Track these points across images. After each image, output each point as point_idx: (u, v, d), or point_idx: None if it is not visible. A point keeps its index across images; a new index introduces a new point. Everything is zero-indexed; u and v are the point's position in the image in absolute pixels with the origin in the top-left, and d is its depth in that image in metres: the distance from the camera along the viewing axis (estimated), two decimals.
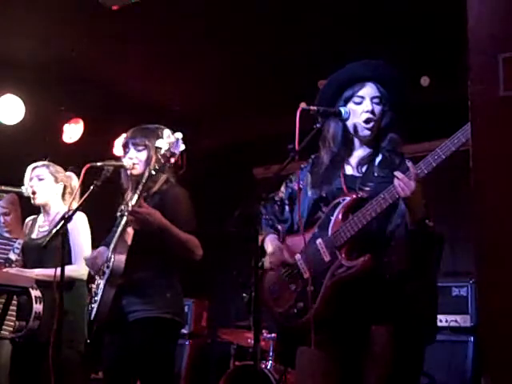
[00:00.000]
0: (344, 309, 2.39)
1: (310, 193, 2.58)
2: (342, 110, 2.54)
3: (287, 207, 2.68)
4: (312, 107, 2.51)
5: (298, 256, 2.50)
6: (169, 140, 2.85)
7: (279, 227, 2.67)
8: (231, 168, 6.70)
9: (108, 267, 3.02)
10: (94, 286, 3.13)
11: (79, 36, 4.84)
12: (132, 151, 3.12)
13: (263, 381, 4.70)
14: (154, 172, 2.88)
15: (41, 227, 3.89)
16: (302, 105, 2.55)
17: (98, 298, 3.03)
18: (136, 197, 2.91)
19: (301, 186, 2.60)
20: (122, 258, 2.97)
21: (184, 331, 5.87)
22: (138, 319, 2.97)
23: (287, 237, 2.62)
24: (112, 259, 2.99)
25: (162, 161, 2.85)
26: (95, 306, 3.05)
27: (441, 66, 4.96)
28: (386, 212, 2.36)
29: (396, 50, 4.71)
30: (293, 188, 2.68)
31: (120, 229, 3.01)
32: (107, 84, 5.49)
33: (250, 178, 6.72)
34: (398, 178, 2.28)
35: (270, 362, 5.01)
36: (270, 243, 2.59)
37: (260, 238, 2.59)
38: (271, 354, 5.08)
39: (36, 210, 3.95)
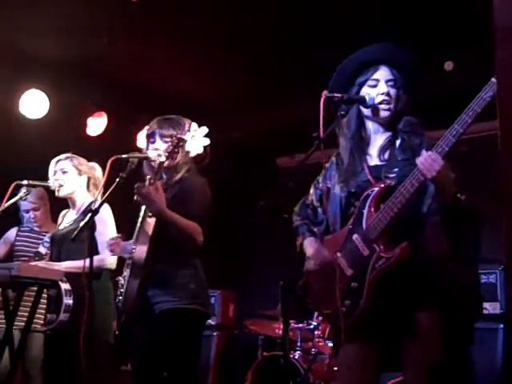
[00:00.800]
0: (389, 299, 2.39)
1: (338, 190, 2.57)
2: (367, 96, 2.52)
3: (319, 209, 2.69)
4: (336, 94, 2.49)
5: (338, 254, 2.49)
6: (195, 134, 2.84)
7: (315, 230, 2.68)
8: (255, 158, 6.69)
9: (130, 259, 3.04)
10: (121, 278, 3.15)
11: (102, 29, 4.85)
12: (158, 142, 3.11)
13: (291, 371, 4.70)
14: (175, 162, 2.89)
15: (68, 219, 3.92)
16: (325, 92, 2.53)
17: (123, 290, 3.06)
18: (154, 172, 2.92)
19: (328, 186, 2.61)
20: (143, 249, 2.98)
21: (211, 322, 5.89)
22: (163, 310, 2.97)
23: (325, 237, 2.62)
24: (134, 250, 3.01)
25: (186, 154, 2.85)
26: (122, 297, 3.07)
27: (465, 50, 4.89)
28: (417, 194, 2.34)
29: (420, 34, 4.66)
30: (321, 189, 2.67)
31: (140, 220, 3.02)
32: (130, 77, 5.50)
33: (274, 168, 6.71)
34: (420, 161, 2.27)
35: (298, 352, 5.01)
36: (308, 246, 2.62)
37: (298, 242, 2.62)
38: (299, 343, 5.08)
39: (64, 202, 3.97)
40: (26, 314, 3.71)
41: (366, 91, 2.53)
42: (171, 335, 2.96)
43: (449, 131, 2.24)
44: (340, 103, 2.51)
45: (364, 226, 2.43)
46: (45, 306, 3.80)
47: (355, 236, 2.44)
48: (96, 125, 5.83)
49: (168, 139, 3.07)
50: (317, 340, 5.00)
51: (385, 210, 2.36)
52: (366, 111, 2.55)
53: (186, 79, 5.63)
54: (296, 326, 5.08)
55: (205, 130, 2.92)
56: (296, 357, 4.92)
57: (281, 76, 5.50)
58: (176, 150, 2.95)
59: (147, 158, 3.11)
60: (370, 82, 2.53)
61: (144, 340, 3.05)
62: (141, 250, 2.98)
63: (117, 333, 3.28)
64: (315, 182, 2.73)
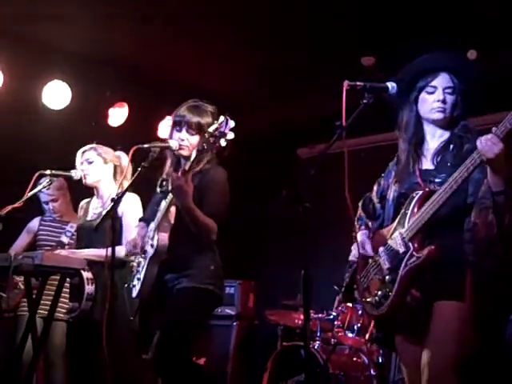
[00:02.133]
0: (417, 294, 2.54)
1: (393, 189, 2.75)
2: (389, 85, 2.61)
3: (378, 205, 2.87)
4: (358, 83, 2.52)
5: (381, 249, 2.68)
6: (222, 127, 2.84)
7: (369, 224, 2.86)
8: (275, 149, 6.68)
9: (152, 246, 3.06)
10: (134, 263, 3.18)
11: (124, 20, 4.87)
12: (184, 133, 3.12)
13: (311, 361, 4.70)
14: (203, 150, 2.90)
15: (94, 209, 3.95)
16: (345, 82, 2.55)
17: (140, 276, 3.08)
18: (188, 165, 2.93)
19: (389, 183, 2.79)
20: (165, 237, 3.03)
21: (231, 312, 5.91)
22: (180, 288, 3.02)
23: (375, 232, 2.82)
24: (156, 238, 3.03)
25: (211, 147, 2.86)
26: (137, 283, 3.10)
27: (488, 38, 4.84)
28: (460, 189, 2.45)
29: (442, 22, 4.62)
30: (382, 186, 2.85)
31: (164, 208, 3.05)
32: (151, 68, 5.52)
33: (295, 159, 6.69)
34: (480, 142, 2.34)
35: (318, 342, 5.01)
36: (359, 238, 2.82)
37: (354, 234, 2.83)
38: (318, 334, 5.08)
39: (88, 192, 4.00)
40: (49, 302, 3.76)
41: (424, 96, 2.66)
42: (184, 311, 3.00)
43: (507, 119, 2.33)
44: (363, 92, 2.54)
45: (406, 225, 2.59)
46: (67, 295, 3.85)
47: (396, 234, 2.62)
48: (117, 115, 5.86)
49: (194, 131, 3.08)
50: (336, 330, 4.99)
51: (422, 212, 2.52)
52: (424, 114, 2.68)
53: (206, 70, 5.64)
54: (316, 316, 5.08)
55: (232, 123, 2.92)
56: (316, 347, 4.92)
57: (301, 67, 5.49)
58: (206, 151, 2.95)
59: (169, 148, 3.12)
60: (429, 89, 2.66)
61: (163, 322, 3.08)
62: (163, 239, 3.01)
63: (131, 318, 3.31)
64: (379, 178, 2.90)
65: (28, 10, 4.71)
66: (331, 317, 5.08)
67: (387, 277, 2.61)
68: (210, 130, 2.85)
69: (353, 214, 2.68)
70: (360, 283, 2.79)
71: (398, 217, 2.66)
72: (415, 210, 2.57)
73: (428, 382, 2.49)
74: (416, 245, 2.54)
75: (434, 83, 2.64)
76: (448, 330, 2.47)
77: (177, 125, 3.15)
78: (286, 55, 5.36)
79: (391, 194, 2.75)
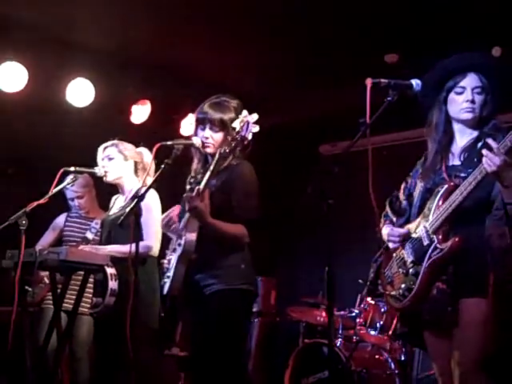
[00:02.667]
0: (442, 286, 2.56)
1: (419, 185, 2.78)
2: (413, 82, 2.62)
3: (404, 202, 2.89)
4: (383, 80, 2.52)
5: (406, 242, 2.72)
6: (244, 123, 2.84)
7: (394, 219, 2.88)
8: (297, 146, 6.68)
9: (179, 245, 3.07)
10: (165, 261, 3.18)
11: (147, 18, 4.89)
12: (207, 130, 3.11)
13: (333, 358, 4.70)
14: (225, 153, 2.89)
15: (117, 205, 3.98)
16: (369, 80, 2.54)
17: (170, 274, 3.08)
18: (204, 180, 2.92)
19: (417, 181, 2.81)
20: (193, 237, 3.00)
21: (253, 309, 5.93)
22: (214, 292, 2.99)
23: (401, 226, 2.82)
24: (184, 237, 3.03)
25: (235, 143, 2.86)
26: (168, 281, 3.09)
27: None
28: (482, 187, 2.47)
29: (466, 19, 4.58)
30: (410, 184, 2.88)
31: None
32: (174, 65, 5.53)
33: (317, 156, 6.68)
34: (483, 154, 2.38)
35: (340, 339, 5.01)
36: (384, 230, 2.85)
37: (378, 229, 2.86)
38: (340, 331, 5.08)
39: (114, 189, 4.03)
40: (74, 297, 3.80)
41: (452, 97, 2.68)
42: (224, 315, 2.98)
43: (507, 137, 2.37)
44: (387, 89, 2.52)
45: (430, 219, 2.62)
46: (91, 291, 3.88)
47: (421, 227, 2.65)
48: (140, 113, 5.89)
49: (218, 128, 3.08)
50: (358, 328, 4.98)
51: (446, 204, 2.54)
52: (453, 114, 2.69)
53: (228, 67, 5.64)
54: (338, 313, 5.07)
55: (255, 116, 2.92)
56: (338, 344, 4.92)
57: (323, 63, 5.47)
58: (226, 139, 2.95)
59: (192, 145, 3.12)
60: (457, 89, 2.67)
61: (197, 324, 3.08)
62: (190, 239, 3.00)
63: (162, 315, 3.32)
64: (407, 177, 2.93)
65: (53, 8, 4.75)
66: (353, 314, 5.08)
67: (411, 269, 2.63)
68: (237, 133, 2.86)
69: (377, 212, 2.69)
70: (384, 277, 2.81)
71: (424, 211, 2.68)
72: (440, 203, 2.59)
73: (458, 380, 2.50)
74: (440, 237, 2.56)
75: (462, 83, 2.66)
76: (472, 327, 2.47)
77: (200, 123, 3.14)
78: (310, 52, 5.35)
79: (417, 191, 2.78)
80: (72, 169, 3.77)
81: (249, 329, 3.22)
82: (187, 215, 3.05)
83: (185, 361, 5.53)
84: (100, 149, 3.98)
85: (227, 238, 3.01)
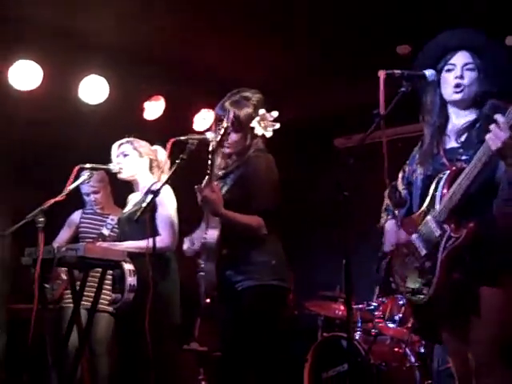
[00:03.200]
0: (459, 277, 2.47)
1: (418, 172, 2.68)
2: (427, 72, 2.57)
3: (405, 191, 2.80)
4: (396, 71, 2.50)
5: (414, 235, 2.61)
6: (264, 118, 2.83)
7: (396, 212, 2.79)
8: (312, 139, 6.66)
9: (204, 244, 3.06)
10: (201, 260, 3.17)
11: (161, 14, 4.89)
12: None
13: (352, 351, 4.69)
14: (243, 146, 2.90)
15: (132, 202, 3.99)
16: (381, 72, 2.53)
17: (203, 273, 3.09)
18: (212, 172, 2.93)
19: (414, 168, 2.71)
20: (214, 234, 2.99)
21: None
22: (245, 288, 2.98)
23: (403, 219, 2.74)
24: (206, 235, 3.02)
25: (253, 137, 2.86)
26: (202, 279, 3.10)
27: None
28: (488, 170, 2.38)
29: (479, 9, 4.53)
30: (408, 172, 2.79)
31: None
32: (187, 60, 5.53)
33: (332, 149, 6.66)
34: (490, 129, 2.29)
35: (359, 332, 5.00)
36: (387, 228, 2.77)
37: (380, 224, 2.80)
38: (359, 324, 5.07)
39: (128, 186, 4.04)
40: (92, 293, 3.82)
41: (443, 76, 2.60)
42: (256, 312, 2.97)
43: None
44: (401, 80, 2.50)
45: (437, 207, 2.52)
46: (109, 287, 3.90)
47: (429, 217, 2.55)
48: (153, 109, 5.89)
49: (234, 129, 3.07)
50: (377, 321, 4.97)
51: (454, 190, 2.44)
52: (444, 94, 2.61)
53: (240, 62, 5.62)
54: (356, 306, 5.06)
55: (275, 113, 2.91)
56: (357, 337, 4.91)
57: (337, 57, 5.45)
58: (244, 139, 2.94)
59: (206, 140, 3.12)
60: (448, 67, 2.59)
61: (229, 321, 3.07)
62: (212, 235, 2.99)
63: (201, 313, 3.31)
64: (404, 165, 2.83)
65: (65, 4, 4.76)
66: (372, 307, 5.06)
67: (426, 263, 2.54)
68: (255, 131, 2.89)
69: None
70: (397, 274, 2.72)
71: (427, 200, 2.58)
72: (445, 190, 2.50)
73: (475, 372, 2.45)
74: (452, 226, 2.47)
75: (452, 61, 2.59)
76: (490, 316, 2.42)
77: (219, 120, 3.13)
78: (323, 45, 5.32)
79: (417, 178, 2.68)
80: (88, 165, 3.78)
81: (285, 325, 3.16)
82: (206, 212, 3.05)
83: (204, 356, 5.55)
84: (115, 146, 3.99)
85: (241, 228, 2.98)
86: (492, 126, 2.29)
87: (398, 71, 2.54)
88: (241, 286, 2.99)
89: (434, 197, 2.54)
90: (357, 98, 5.52)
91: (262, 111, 2.92)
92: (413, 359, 4.67)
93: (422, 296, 2.56)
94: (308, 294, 5.88)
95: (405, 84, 2.54)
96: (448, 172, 2.50)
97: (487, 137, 2.30)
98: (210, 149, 2.97)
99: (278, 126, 2.90)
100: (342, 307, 5.30)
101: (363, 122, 2.59)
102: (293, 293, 6.24)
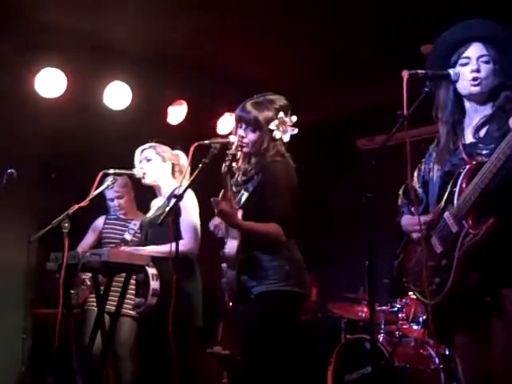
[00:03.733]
0: (479, 277, 2.36)
1: (435, 170, 2.59)
2: (451, 71, 2.52)
3: (420, 190, 2.69)
4: (420, 71, 2.47)
5: (431, 232, 2.51)
6: (283, 122, 2.84)
7: (412, 209, 2.67)
8: (334, 140, 6.65)
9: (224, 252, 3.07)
10: (224, 265, 3.18)
11: (180, 19, 4.92)
12: (244, 130, 3.09)
13: (376, 354, 4.67)
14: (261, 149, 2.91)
15: (155, 206, 4.01)
16: (405, 72, 2.49)
17: (225, 280, 3.10)
18: (227, 184, 2.94)
19: (430, 167, 2.62)
20: (233, 244, 2.98)
21: None
22: (258, 294, 2.98)
23: (421, 217, 2.60)
24: (226, 244, 3.02)
25: (271, 141, 2.86)
26: (225, 286, 3.11)
27: None
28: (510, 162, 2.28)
29: (503, 10, 4.49)
30: (423, 171, 2.69)
31: None
32: (209, 65, 5.55)
33: (354, 150, 6.64)
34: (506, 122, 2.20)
35: (382, 334, 4.97)
36: (403, 221, 2.66)
37: (397, 220, 2.69)
38: (382, 326, 5.04)
39: (151, 191, 4.05)
40: (116, 298, 3.84)
41: (458, 70, 2.51)
42: (267, 318, 2.97)
43: None
44: (424, 80, 2.48)
45: (455, 203, 2.41)
46: (134, 291, 3.93)
47: (446, 214, 2.44)
48: (176, 113, 5.93)
49: (252, 127, 3.06)
50: (401, 323, 4.94)
51: (474, 185, 2.35)
52: (461, 89, 2.53)
53: (263, 65, 5.64)
54: (380, 308, 5.04)
55: (294, 118, 2.91)
56: (380, 340, 4.88)
57: (359, 57, 5.43)
58: (262, 140, 2.95)
59: (229, 144, 3.12)
60: (462, 61, 2.51)
61: (245, 325, 3.07)
62: (231, 245, 2.99)
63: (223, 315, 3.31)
64: (419, 164, 2.74)
65: (90, 11, 4.82)
66: (395, 309, 5.03)
67: (442, 261, 2.43)
68: (273, 134, 2.90)
69: (417, 205, 2.56)
70: (409, 274, 2.62)
71: (445, 196, 2.48)
72: (463, 185, 2.39)
73: (498, 378, 2.34)
74: (470, 222, 2.35)
75: (466, 54, 2.50)
76: None
77: (238, 121, 3.14)
78: (347, 46, 5.31)
79: (434, 176, 2.58)
80: (111, 171, 3.80)
81: (296, 331, 3.14)
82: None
83: (227, 359, 5.56)
84: (138, 151, 4.02)
85: (260, 237, 2.98)
86: None
87: (422, 71, 2.48)
88: (255, 292, 3.00)
89: (452, 193, 2.44)
90: (379, 98, 5.51)
91: (281, 114, 2.92)
92: (437, 361, 4.63)
93: (438, 296, 2.44)
94: (331, 296, 5.86)
95: (428, 84, 2.49)
96: (468, 167, 2.40)
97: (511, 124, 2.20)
98: (224, 166, 2.95)
99: (296, 130, 2.89)
100: (366, 309, 5.28)
101: (385, 122, 2.57)
102: (316, 295, 6.25)
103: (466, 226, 2.37)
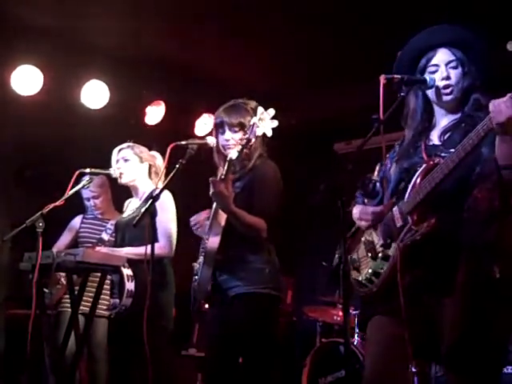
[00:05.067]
0: (415, 277, 2.33)
1: (394, 167, 2.56)
2: (427, 77, 2.49)
3: (378, 184, 2.67)
4: (396, 76, 2.47)
5: (378, 225, 2.51)
6: (262, 117, 2.84)
7: (366, 201, 2.67)
8: (312, 144, 6.67)
9: (204, 249, 3.08)
10: (196, 264, 3.18)
11: (158, 19, 4.91)
12: (228, 133, 3.11)
13: (350, 357, 4.69)
14: (244, 151, 2.90)
15: (131, 207, 3.99)
16: (382, 77, 2.50)
17: (197, 277, 3.10)
18: (225, 169, 2.92)
19: (392, 163, 2.58)
20: (215, 240, 3.00)
21: None
22: (238, 294, 2.98)
23: (372, 207, 2.60)
24: (207, 241, 3.03)
25: (257, 139, 2.86)
26: (196, 283, 3.12)
27: None
28: (467, 163, 2.25)
29: (482, 15, 4.54)
30: (385, 165, 2.65)
31: (213, 211, 3.05)
32: (187, 65, 5.54)
33: (331, 154, 6.68)
34: (494, 103, 2.14)
35: (357, 338, 4.99)
36: (355, 210, 2.63)
37: (349, 210, 2.63)
38: (357, 330, 5.06)
39: (128, 191, 4.03)
40: (91, 299, 3.82)
41: (428, 77, 2.48)
42: (246, 319, 2.97)
43: None
44: (400, 84, 2.48)
45: (405, 198, 2.40)
46: (108, 292, 3.90)
47: (395, 208, 2.43)
48: (154, 114, 5.91)
49: (237, 128, 3.09)
50: None
51: (424, 183, 2.34)
52: (431, 96, 2.51)
53: (241, 67, 5.64)
54: (355, 312, 5.05)
55: (271, 111, 2.92)
56: (355, 343, 4.90)
57: (336, 61, 5.46)
58: (246, 151, 2.95)
59: (206, 145, 3.13)
60: (431, 68, 2.49)
61: (218, 324, 3.07)
62: (213, 241, 3.00)
63: (192, 316, 3.30)
64: (381, 162, 2.69)
65: (66, 8, 4.78)
66: (359, 311, 5.05)
67: (380, 253, 2.44)
68: (256, 129, 2.87)
69: (388, 209, 2.50)
70: (350, 262, 2.58)
71: (398, 191, 2.47)
72: (418, 181, 2.36)
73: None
74: (415, 217, 2.33)
75: (434, 61, 2.48)
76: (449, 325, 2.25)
77: (219, 127, 3.15)
78: (323, 50, 5.34)
79: (393, 172, 2.56)
80: (88, 170, 3.78)
81: (274, 332, 3.15)
82: (211, 216, 3.06)
83: (201, 361, 5.54)
84: (115, 151, 4.00)
85: (246, 227, 2.99)
86: (493, 101, 2.15)
87: (398, 76, 2.47)
88: (232, 292, 3.00)
89: (405, 188, 2.42)
90: (357, 102, 5.53)
91: (260, 110, 2.93)
92: (411, 365, 4.65)
93: (370, 286, 2.45)
94: (307, 299, 5.88)
95: (404, 89, 2.47)
96: (425, 165, 2.38)
97: (490, 107, 2.13)
98: (235, 151, 2.92)
99: (276, 123, 2.90)
100: (341, 313, 5.29)
101: (363, 126, 2.58)
102: (292, 298, 6.27)
103: (410, 221, 2.34)
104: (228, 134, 3.11)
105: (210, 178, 2.96)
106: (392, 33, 4.94)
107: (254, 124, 2.90)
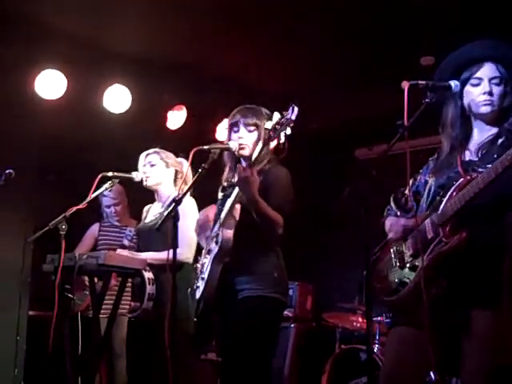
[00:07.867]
0: (442, 288, 2.34)
1: (430, 181, 2.57)
2: (452, 83, 2.49)
3: (411, 198, 2.67)
4: (420, 82, 2.46)
5: (408, 236, 2.52)
6: (288, 115, 2.84)
7: (398, 213, 2.67)
8: (333, 150, 6.66)
9: (216, 243, 3.05)
10: (198, 265, 3.19)
11: (180, 24, 4.93)
12: (242, 131, 3.12)
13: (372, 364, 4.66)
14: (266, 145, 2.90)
15: (154, 212, 4.00)
16: (405, 83, 2.49)
17: (204, 276, 3.08)
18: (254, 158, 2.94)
19: (427, 178, 2.60)
20: (230, 234, 2.99)
21: (289, 314, 5.90)
22: (246, 297, 2.99)
23: (404, 219, 2.61)
24: (220, 234, 3.02)
25: (277, 135, 2.86)
26: (201, 284, 3.10)
27: None
28: (506, 178, 2.24)
29: (504, 22, 4.51)
30: (419, 180, 2.68)
31: (229, 205, 3.03)
32: (209, 70, 5.55)
33: (353, 160, 6.65)
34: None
35: (377, 345, 4.96)
36: (387, 222, 2.65)
37: (382, 221, 2.68)
38: (377, 337, 5.03)
39: (149, 196, 4.06)
40: (112, 301, 3.83)
41: (468, 89, 2.50)
42: (251, 322, 2.97)
43: None
44: (425, 91, 2.47)
45: (439, 211, 2.40)
46: (129, 295, 3.92)
47: (427, 220, 2.44)
48: (176, 118, 5.93)
49: (252, 128, 3.10)
50: None
51: (458, 196, 2.33)
52: (472, 107, 2.50)
53: (263, 71, 5.65)
54: (375, 319, 5.03)
55: (288, 115, 2.91)
56: (375, 350, 4.87)
57: (359, 67, 5.45)
58: (260, 139, 2.96)
59: (229, 149, 3.12)
60: (473, 81, 2.49)
61: (228, 327, 3.07)
62: (227, 234, 2.99)
63: (195, 320, 3.32)
64: (416, 174, 2.72)
65: (90, 15, 4.82)
66: (390, 320, 5.02)
67: (408, 263, 2.44)
68: (276, 119, 2.83)
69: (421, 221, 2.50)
70: (378, 270, 2.60)
71: (432, 205, 2.47)
72: (453, 194, 2.36)
73: None
74: (447, 230, 2.32)
75: (478, 74, 2.47)
76: (478, 340, 2.26)
77: (234, 126, 3.16)
78: (347, 55, 5.33)
79: (428, 187, 2.56)
80: (110, 174, 3.80)
81: (278, 336, 3.16)
82: (224, 212, 3.05)
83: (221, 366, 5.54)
84: (142, 155, 4.03)
85: (266, 219, 2.96)
86: None
87: (423, 82, 2.47)
88: (241, 295, 3.00)
89: (440, 201, 2.42)
90: (380, 108, 5.52)
91: (276, 115, 2.93)
92: (432, 374, 4.61)
93: (395, 296, 2.45)
94: (326, 305, 5.86)
95: (429, 95, 2.46)
96: (461, 180, 2.37)
97: None
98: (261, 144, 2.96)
99: (289, 131, 2.90)
100: (360, 319, 5.27)
101: (385, 132, 2.58)
102: (311, 304, 6.25)
103: (441, 233, 2.35)
104: (243, 132, 3.11)
105: (238, 164, 2.96)
106: (417, 40, 4.97)
107: (294, 106, 2.83)
